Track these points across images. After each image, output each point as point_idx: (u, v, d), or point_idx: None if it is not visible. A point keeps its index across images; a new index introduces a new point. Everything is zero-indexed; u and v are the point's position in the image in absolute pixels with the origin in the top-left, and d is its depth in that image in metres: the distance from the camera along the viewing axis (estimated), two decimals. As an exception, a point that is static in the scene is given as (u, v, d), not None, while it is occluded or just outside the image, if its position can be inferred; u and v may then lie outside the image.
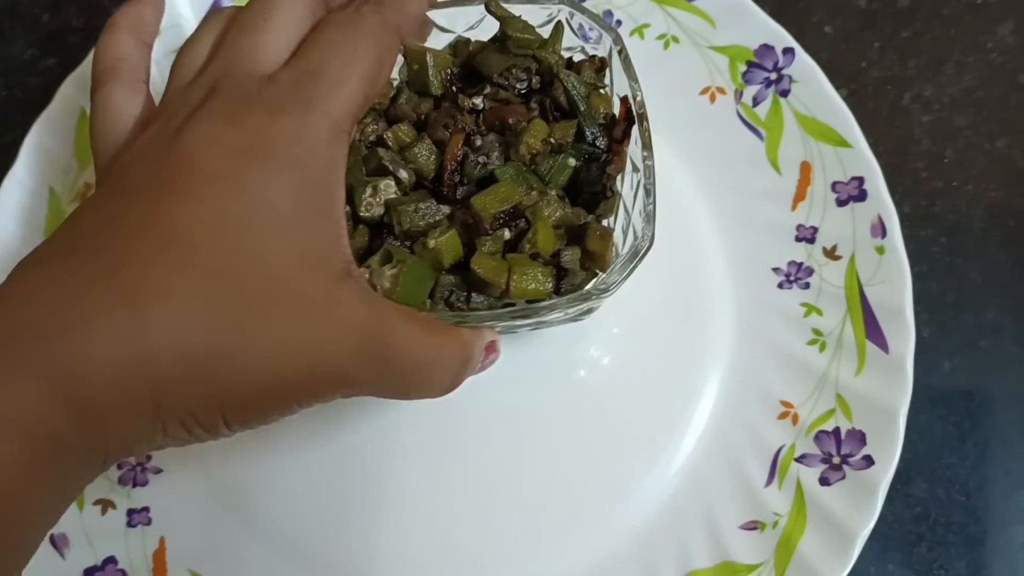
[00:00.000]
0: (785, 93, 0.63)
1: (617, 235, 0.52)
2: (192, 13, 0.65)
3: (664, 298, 0.61)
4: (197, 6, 0.65)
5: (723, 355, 0.60)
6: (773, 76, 0.63)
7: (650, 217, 0.49)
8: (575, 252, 0.49)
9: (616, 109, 0.53)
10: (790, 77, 0.63)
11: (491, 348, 0.49)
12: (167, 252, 0.37)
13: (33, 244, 0.58)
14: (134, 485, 0.58)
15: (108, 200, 0.40)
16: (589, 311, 0.54)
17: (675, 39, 0.65)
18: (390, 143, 0.52)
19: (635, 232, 0.50)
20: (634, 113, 0.51)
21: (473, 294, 0.48)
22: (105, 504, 0.57)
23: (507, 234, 0.49)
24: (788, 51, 0.63)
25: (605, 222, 0.51)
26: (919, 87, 0.67)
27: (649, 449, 0.58)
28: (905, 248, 0.59)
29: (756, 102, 0.64)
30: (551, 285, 0.48)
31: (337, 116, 0.42)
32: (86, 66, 0.62)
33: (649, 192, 0.49)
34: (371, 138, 0.52)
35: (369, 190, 0.49)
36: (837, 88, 0.63)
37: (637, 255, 0.48)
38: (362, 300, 0.41)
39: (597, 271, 0.50)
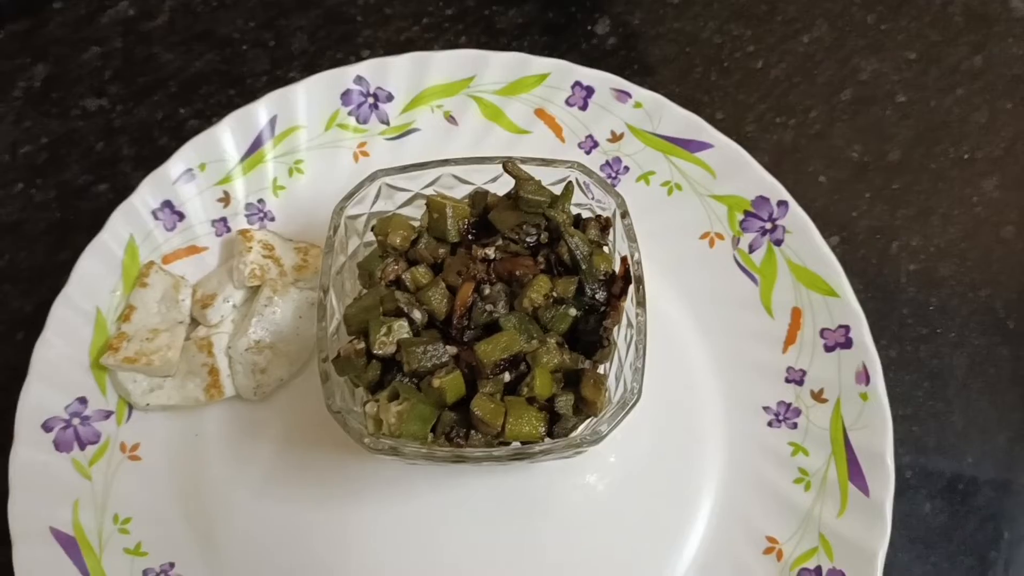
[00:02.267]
0: (779, 242, 0.68)
1: (611, 382, 0.56)
2: (235, 149, 0.71)
3: (659, 431, 0.65)
4: (240, 142, 0.71)
5: (713, 488, 0.64)
6: (768, 226, 0.68)
7: (638, 372, 0.53)
8: (569, 398, 0.54)
9: (617, 265, 0.58)
10: (784, 228, 0.68)
11: None
12: None
13: (77, 361, 0.64)
14: (158, 593, 0.62)
15: None
16: (578, 453, 0.58)
17: (678, 186, 0.70)
18: (408, 284, 0.57)
19: (625, 383, 0.54)
20: (631, 273, 0.56)
21: (472, 431, 0.53)
22: (130, 611, 0.61)
23: (507, 377, 0.54)
24: (782, 203, 0.68)
25: (601, 368, 0.56)
26: (907, 237, 0.72)
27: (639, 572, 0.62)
28: (890, 391, 0.63)
29: (752, 249, 0.68)
30: (544, 429, 0.53)
31: None
32: (135, 195, 0.68)
33: (639, 350, 0.54)
34: (391, 277, 0.57)
35: (384, 329, 0.54)
36: (829, 235, 0.68)
37: (625, 407, 0.53)
38: None
39: (588, 415, 0.54)
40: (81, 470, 0.64)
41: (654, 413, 0.65)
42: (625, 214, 0.58)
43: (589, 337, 0.56)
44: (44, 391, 0.64)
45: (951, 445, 0.66)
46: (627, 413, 0.53)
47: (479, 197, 0.61)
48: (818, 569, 0.60)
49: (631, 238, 0.57)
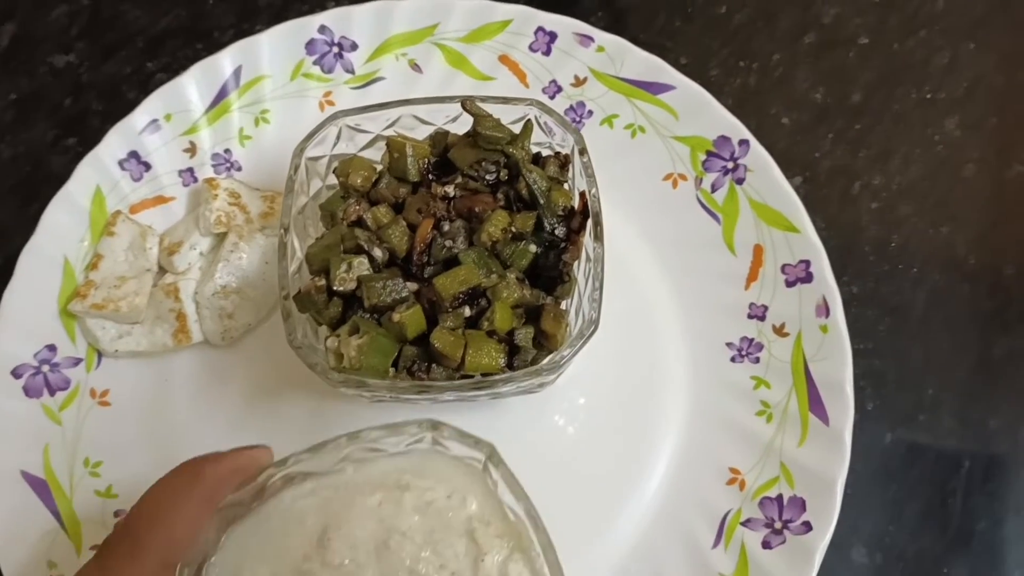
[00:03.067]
0: (740, 181, 0.68)
1: (572, 316, 0.57)
2: (201, 100, 0.71)
3: (623, 370, 0.66)
4: (205, 93, 0.71)
5: (678, 423, 0.65)
6: (730, 165, 0.69)
7: (596, 303, 0.54)
8: (528, 331, 0.55)
9: (576, 202, 0.59)
10: (745, 166, 0.68)
11: None
12: None
13: (45, 309, 0.65)
14: (128, 533, 0.62)
15: None
16: (542, 385, 0.59)
17: (642, 129, 0.71)
18: (370, 223, 0.58)
19: (583, 314, 0.55)
20: (590, 208, 0.56)
21: (434, 365, 0.53)
22: (100, 550, 0.61)
23: (468, 311, 0.55)
24: (744, 143, 0.69)
25: (563, 304, 0.57)
26: (868, 176, 0.73)
27: (604, 511, 0.62)
28: (852, 326, 0.64)
29: (714, 188, 0.69)
30: (503, 361, 0.53)
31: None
32: (101, 146, 0.69)
33: (597, 282, 0.55)
34: (353, 217, 0.58)
35: (344, 266, 0.55)
36: (791, 176, 0.69)
37: (583, 336, 0.53)
38: None
39: (549, 349, 0.55)
40: (51, 415, 0.64)
41: (619, 352, 0.66)
42: (584, 151, 0.58)
43: (549, 273, 0.57)
44: (13, 339, 0.65)
45: (911, 378, 0.67)
46: (585, 342, 0.54)
47: (439, 137, 0.61)
48: (779, 497, 0.61)
49: (589, 174, 0.58)
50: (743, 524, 0.61)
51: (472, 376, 0.53)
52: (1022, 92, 0.75)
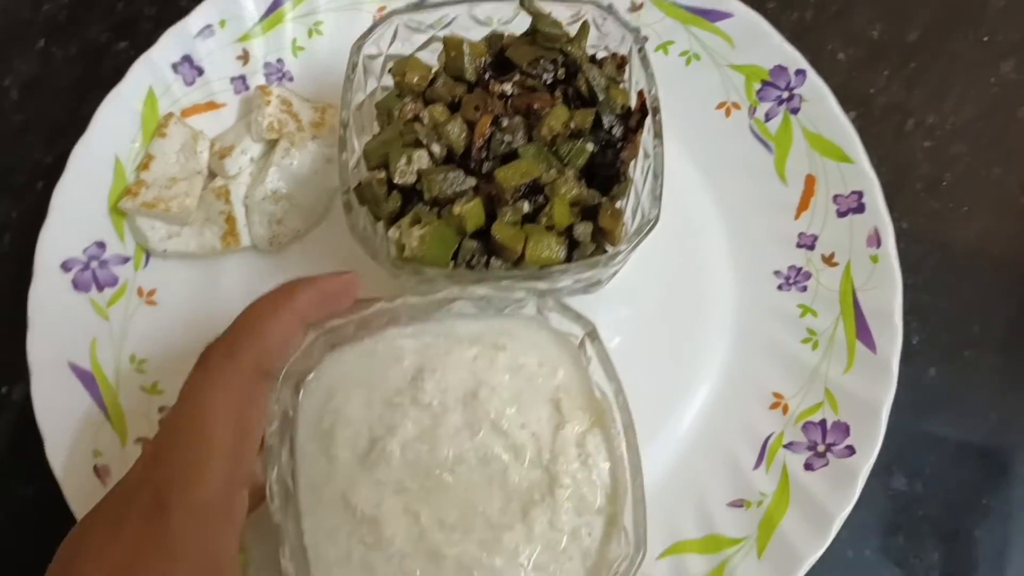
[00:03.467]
0: (795, 111, 0.68)
1: (627, 216, 0.57)
2: (255, 8, 0.71)
3: (670, 290, 0.66)
4: (260, 1, 0.71)
5: (722, 347, 0.65)
6: (785, 95, 0.68)
7: (657, 198, 0.54)
8: (587, 226, 0.55)
9: (633, 102, 0.59)
10: (801, 96, 0.68)
11: None
12: None
13: (96, 205, 0.65)
14: (172, 429, 0.63)
15: None
16: (597, 283, 0.59)
17: (696, 56, 0.71)
18: (425, 121, 0.58)
19: (643, 211, 0.55)
20: (648, 106, 0.56)
21: (492, 258, 0.54)
22: (146, 442, 0.62)
23: (526, 207, 0.55)
24: (800, 72, 0.68)
25: (617, 204, 0.57)
26: (923, 115, 0.72)
27: (648, 427, 0.62)
28: (900, 261, 0.64)
29: (768, 118, 0.69)
30: (563, 254, 0.54)
31: (206, 503, 0.44)
32: (155, 48, 0.68)
33: (657, 176, 0.55)
34: (409, 116, 0.58)
35: (404, 159, 0.55)
36: (845, 111, 0.68)
37: (643, 230, 0.53)
38: None
39: (606, 247, 0.55)
40: (99, 311, 0.65)
41: (666, 275, 0.67)
42: (642, 49, 0.58)
43: (605, 172, 0.56)
44: (63, 232, 0.65)
45: (957, 315, 0.67)
46: (643, 238, 0.54)
47: (495, 38, 0.61)
48: (823, 422, 0.61)
49: (649, 73, 0.58)
50: (785, 447, 0.61)
51: (531, 268, 0.54)
52: (1080, 38, 0.75)
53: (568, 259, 0.54)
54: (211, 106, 0.70)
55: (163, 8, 0.76)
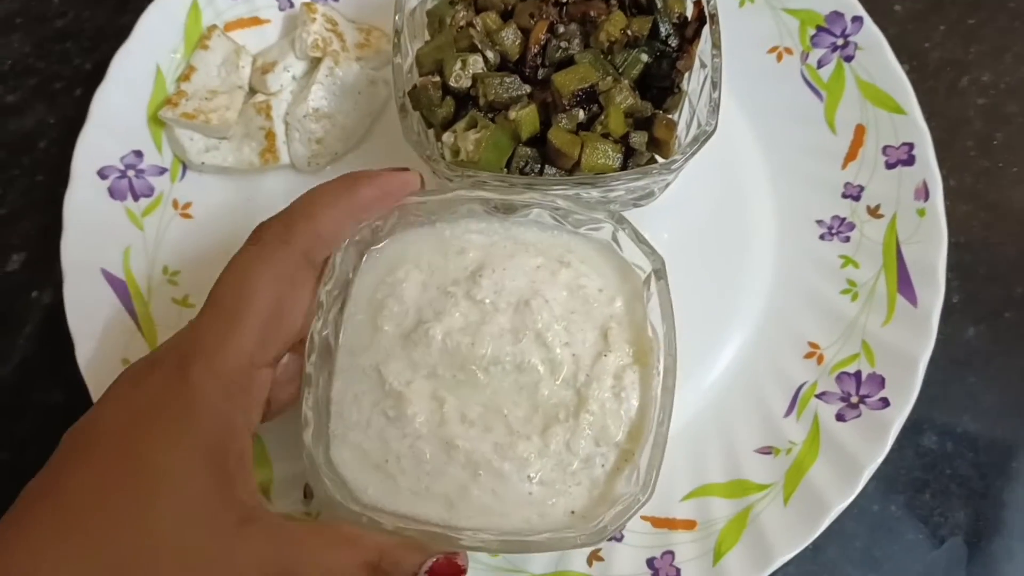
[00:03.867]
0: (849, 59, 0.67)
1: (680, 128, 0.56)
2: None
3: (712, 232, 0.66)
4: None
5: (760, 292, 0.64)
6: (840, 42, 0.67)
7: (715, 107, 0.54)
8: (642, 136, 0.55)
9: (689, 12, 0.58)
10: (856, 44, 0.67)
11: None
12: (54, 518, 0.41)
13: (135, 114, 0.64)
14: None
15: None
16: (650, 195, 0.60)
17: (751, -2, 0.69)
18: (478, 28, 0.57)
19: (699, 121, 0.55)
20: (706, 14, 0.56)
21: (546, 166, 0.53)
22: (175, 354, 0.62)
23: (581, 115, 0.55)
24: (857, 19, 0.67)
25: (673, 116, 0.56)
26: (978, 72, 0.71)
27: (682, 366, 0.61)
28: (947, 218, 0.62)
29: (820, 65, 0.67)
30: (619, 161, 0.54)
31: (226, 372, 0.45)
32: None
33: (716, 85, 0.54)
34: (462, 23, 0.57)
35: (459, 63, 0.55)
36: (900, 63, 0.66)
37: (699, 140, 0.53)
38: (267, 539, 0.43)
39: (663, 157, 0.55)
40: (134, 219, 0.64)
41: (706, 214, 0.66)
42: None
43: (660, 83, 0.56)
44: (101, 138, 0.64)
45: (1001, 276, 0.66)
46: (702, 145, 0.54)
47: None
48: (858, 373, 0.60)
49: None
50: (817, 396, 0.61)
51: (585, 175, 0.54)
52: None
53: (623, 167, 0.54)
54: (255, 21, 0.69)
55: (208, -84, 0.74)
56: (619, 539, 0.58)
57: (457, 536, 0.48)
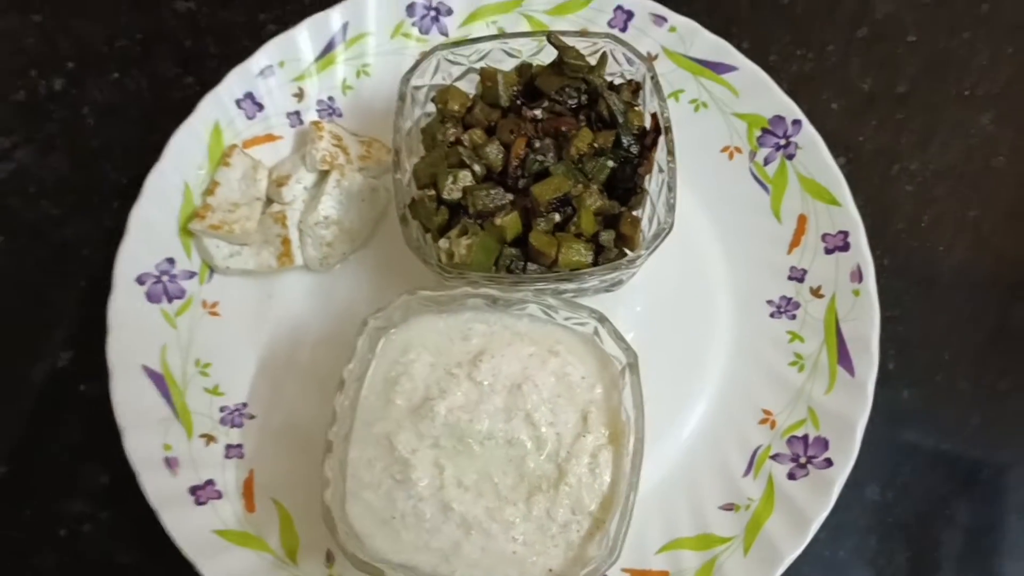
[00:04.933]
0: (791, 157, 0.76)
1: (644, 224, 0.66)
2: (311, 51, 0.79)
3: (677, 315, 0.75)
4: (315, 44, 0.79)
5: (720, 364, 0.73)
6: (782, 142, 0.76)
7: (671, 207, 0.63)
8: (610, 234, 0.64)
9: (647, 123, 0.68)
10: (796, 144, 0.76)
11: None
12: None
13: (167, 226, 0.73)
14: (232, 426, 0.71)
15: None
16: (619, 283, 0.69)
17: (704, 104, 0.79)
18: (466, 144, 0.66)
19: (659, 219, 0.64)
20: (661, 126, 0.65)
21: (529, 263, 0.63)
22: (208, 438, 0.70)
23: (557, 217, 0.64)
24: (797, 122, 0.76)
25: (636, 212, 0.66)
26: (907, 161, 0.80)
27: (653, 433, 0.70)
28: (881, 294, 0.72)
29: (766, 162, 0.77)
30: (591, 258, 0.63)
31: None
32: (222, 85, 0.77)
33: (671, 188, 0.64)
34: (452, 139, 0.67)
35: (451, 178, 0.65)
36: (837, 156, 0.76)
37: (659, 236, 0.63)
38: None
39: (627, 251, 0.64)
40: (168, 319, 0.73)
41: (673, 299, 0.75)
42: (655, 77, 0.67)
43: (624, 185, 0.66)
44: (139, 249, 0.73)
45: (931, 343, 0.75)
46: (661, 241, 0.63)
47: (525, 68, 0.70)
48: (805, 436, 0.69)
49: (660, 97, 0.67)
50: (772, 458, 0.69)
51: (561, 271, 0.63)
52: (1054, 95, 0.82)
53: (595, 263, 0.63)
54: (269, 138, 0.79)
55: (226, 46, 0.84)
56: (601, 589, 0.67)
57: None
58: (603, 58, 0.70)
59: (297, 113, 0.79)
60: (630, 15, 0.80)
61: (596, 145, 0.67)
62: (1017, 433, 0.73)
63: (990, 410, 0.73)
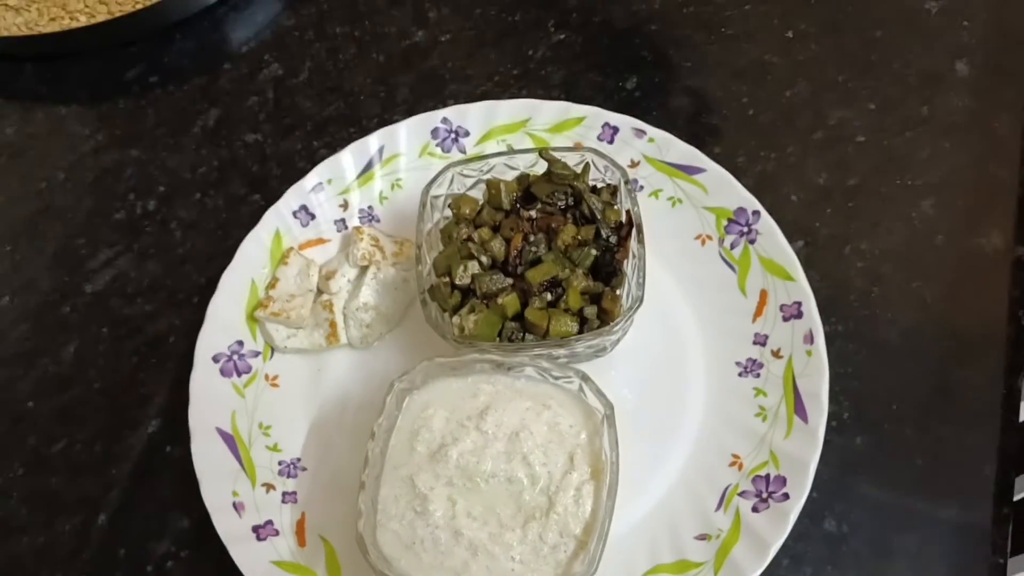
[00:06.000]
0: (752, 241, 0.90)
1: (624, 299, 0.80)
2: (353, 170, 0.97)
3: (657, 376, 0.88)
4: (357, 164, 0.97)
5: (696, 416, 0.86)
6: (745, 229, 0.90)
7: (641, 284, 0.78)
8: (593, 309, 0.79)
9: (623, 217, 0.83)
10: (756, 231, 0.90)
11: None
12: None
13: (237, 314, 0.90)
14: (288, 476, 0.86)
15: None
16: (603, 349, 0.84)
17: (679, 200, 0.94)
18: (476, 240, 0.82)
19: (632, 294, 0.78)
20: (633, 221, 0.81)
21: (526, 334, 0.79)
22: (268, 486, 0.85)
23: (549, 296, 0.80)
24: (756, 213, 0.90)
25: (618, 291, 0.80)
26: (857, 242, 0.93)
27: (638, 474, 0.83)
28: (837, 356, 0.84)
29: (732, 247, 0.91)
30: (577, 328, 0.78)
31: None
32: (281, 201, 0.94)
33: (641, 269, 0.79)
34: (464, 236, 0.83)
35: (462, 268, 0.81)
36: (796, 240, 0.90)
37: (633, 308, 0.77)
38: None
39: (609, 322, 0.79)
40: (238, 391, 0.89)
41: (654, 365, 0.88)
42: (628, 182, 0.83)
43: (606, 269, 0.81)
44: (215, 334, 0.89)
45: (881, 397, 0.86)
46: (634, 312, 0.78)
47: (523, 177, 0.87)
48: (767, 475, 0.81)
49: (632, 199, 0.83)
50: (739, 495, 0.81)
51: (551, 339, 0.78)
52: (986, 182, 0.95)
53: (580, 331, 0.78)
54: (319, 241, 0.96)
55: (286, 170, 1.02)
56: (595, 608, 0.79)
57: None
58: (586, 167, 0.86)
59: (343, 220, 0.96)
60: (616, 130, 0.96)
61: (579, 237, 0.82)
62: (955, 471, 0.83)
63: (931, 453, 0.84)
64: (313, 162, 0.97)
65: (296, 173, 0.97)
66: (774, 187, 0.96)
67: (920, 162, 0.97)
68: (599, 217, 0.83)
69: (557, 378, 0.78)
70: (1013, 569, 0.79)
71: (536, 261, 0.81)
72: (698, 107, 1.02)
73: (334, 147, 0.99)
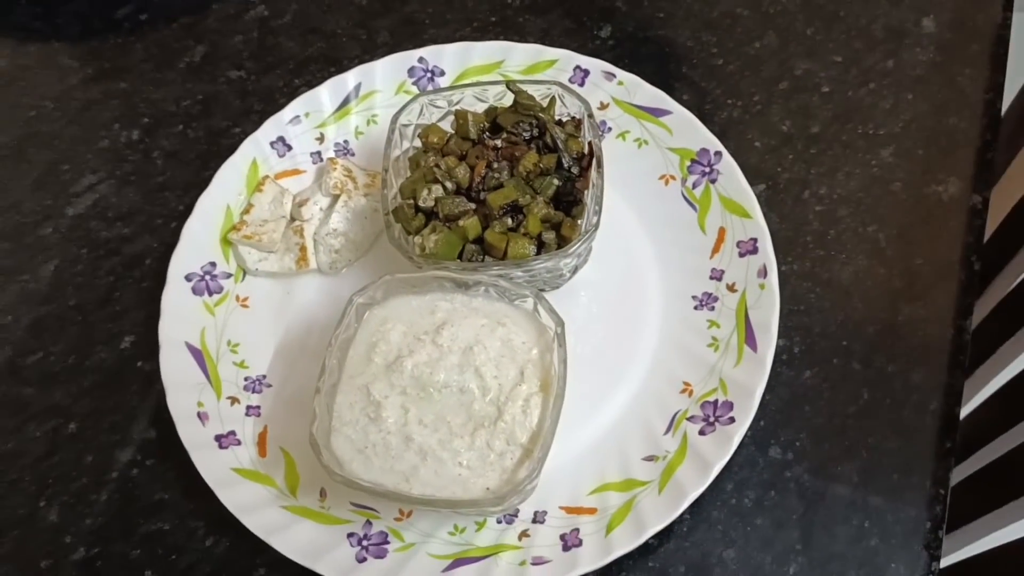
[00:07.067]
0: (714, 181, 0.92)
1: (583, 228, 0.82)
2: (330, 105, 0.99)
3: (615, 308, 0.91)
4: (334, 100, 1.00)
5: (650, 346, 0.89)
6: (707, 169, 0.93)
7: (597, 212, 0.81)
8: (552, 235, 0.82)
9: (586, 148, 0.85)
10: (718, 171, 0.93)
11: None
12: None
13: (212, 237, 0.93)
14: (253, 392, 0.89)
15: None
16: (560, 276, 0.87)
17: (645, 142, 0.96)
18: (442, 167, 0.85)
19: (588, 221, 0.81)
20: (595, 151, 0.83)
21: (486, 257, 0.81)
22: (233, 400, 0.88)
23: (510, 222, 0.82)
24: (718, 153, 0.93)
25: (579, 221, 0.82)
26: (817, 187, 0.96)
27: (592, 400, 0.86)
28: (791, 294, 0.87)
29: (694, 186, 0.93)
30: (533, 251, 0.81)
31: None
32: (259, 131, 0.97)
33: (599, 199, 0.82)
34: (431, 165, 0.85)
35: (426, 191, 0.83)
36: (758, 184, 0.92)
37: (588, 233, 0.80)
38: None
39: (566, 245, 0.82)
40: (208, 309, 0.91)
41: (612, 295, 0.91)
42: (591, 115, 0.86)
43: (567, 198, 0.84)
44: (188, 255, 0.92)
45: (830, 332, 0.89)
46: (589, 239, 0.81)
47: (491, 109, 0.89)
48: (716, 401, 0.83)
49: (595, 131, 0.85)
50: (688, 419, 0.84)
51: (511, 261, 0.81)
52: (946, 132, 0.97)
53: (537, 255, 0.81)
54: (295, 172, 0.98)
55: (267, 105, 1.05)
56: (542, 522, 0.81)
57: (408, 497, 0.73)
58: (552, 101, 0.88)
59: (319, 153, 0.99)
60: (586, 73, 0.99)
61: (541, 165, 0.84)
62: (900, 406, 0.85)
63: (878, 388, 0.86)
64: (293, 98, 0.99)
65: (276, 108, 1.00)
66: (738, 133, 0.99)
67: (882, 112, 0.99)
68: (561, 147, 0.85)
69: (513, 297, 0.81)
70: (953, 510, 0.82)
71: (498, 187, 0.84)
72: (668, 56, 1.04)
73: (314, 85, 1.01)
